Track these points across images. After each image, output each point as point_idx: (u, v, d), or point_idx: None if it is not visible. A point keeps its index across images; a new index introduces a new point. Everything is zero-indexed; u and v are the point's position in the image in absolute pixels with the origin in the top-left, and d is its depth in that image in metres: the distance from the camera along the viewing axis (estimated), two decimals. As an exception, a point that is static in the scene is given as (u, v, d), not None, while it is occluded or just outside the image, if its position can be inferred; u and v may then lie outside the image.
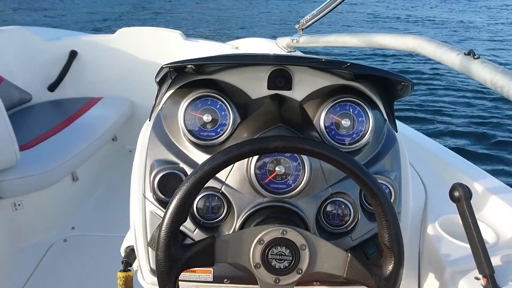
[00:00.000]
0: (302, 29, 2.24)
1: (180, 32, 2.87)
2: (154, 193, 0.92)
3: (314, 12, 2.04)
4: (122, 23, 10.41)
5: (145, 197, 0.93)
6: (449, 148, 1.32)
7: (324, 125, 0.95)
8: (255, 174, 0.87)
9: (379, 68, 0.95)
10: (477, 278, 0.84)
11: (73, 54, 2.77)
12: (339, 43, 1.86)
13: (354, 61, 0.93)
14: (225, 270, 0.89)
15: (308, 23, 2.14)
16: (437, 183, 1.16)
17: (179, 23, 10.82)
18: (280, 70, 0.99)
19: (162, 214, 0.90)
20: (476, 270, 0.84)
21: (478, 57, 1.12)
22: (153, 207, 0.92)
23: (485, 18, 11.90)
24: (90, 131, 2.36)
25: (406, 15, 12.41)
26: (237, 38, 3.06)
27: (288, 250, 0.74)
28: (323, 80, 1.01)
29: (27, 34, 2.77)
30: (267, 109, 0.97)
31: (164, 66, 0.89)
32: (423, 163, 1.22)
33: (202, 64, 0.94)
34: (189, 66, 0.93)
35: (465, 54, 1.16)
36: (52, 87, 2.76)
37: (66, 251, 2.09)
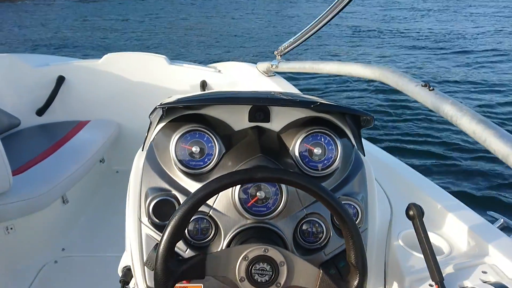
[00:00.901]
0: (281, 55, 2.39)
1: (165, 56, 2.99)
2: (149, 217, 1.03)
3: (291, 40, 2.19)
4: (109, 48, 10.51)
5: (141, 221, 1.04)
6: (410, 166, 1.47)
7: (299, 153, 1.08)
8: (239, 199, 1.00)
9: (343, 105, 1.10)
10: (430, 285, 0.98)
11: (60, 79, 2.86)
12: (314, 70, 2.01)
13: (324, 94, 1.07)
14: (213, 285, 1.01)
15: (286, 50, 2.29)
16: (400, 200, 1.30)
17: (164, 46, 10.99)
18: (260, 106, 1.13)
19: (157, 237, 1.02)
20: (429, 278, 0.97)
21: (433, 89, 1.28)
22: (148, 231, 1.03)
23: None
24: (79, 154, 2.44)
25: (386, 29, 12.83)
26: (219, 61, 3.19)
27: (269, 266, 0.87)
28: (298, 112, 1.15)
29: (15, 61, 2.85)
30: (248, 140, 1.10)
31: (158, 106, 1.01)
32: (389, 181, 1.37)
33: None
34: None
35: (422, 85, 1.32)
36: (41, 112, 2.84)
37: (57, 272, 2.15)
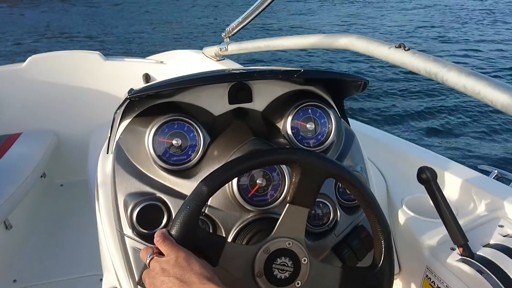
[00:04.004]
0: (229, 36, 2.26)
1: (98, 52, 2.73)
2: (133, 228, 0.88)
3: (240, 19, 2.06)
4: (31, 51, 9.52)
5: (124, 234, 0.88)
6: (394, 134, 1.44)
7: (292, 132, 0.98)
8: (239, 190, 0.88)
9: (330, 70, 1.01)
10: (452, 249, 0.93)
11: None
12: (271, 47, 1.91)
13: (306, 66, 0.98)
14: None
15: (235, 30, 2.16)
16: (393, 170, 1.25)
17: (94, 44, 10.16)
18: (240, 84, 1.01)
19: None
20: (449, 242, 0.93)
21: (409, 49, 1.23)
22: (135, 244, 0.88)
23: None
24: (16, 172, 2.15)
25: (337, 15, 12.87)
26: (157, 52, 2.98)
27: (291, 262, 0.77)
28: (280, 88, 1.04)
29: None
30: (233, 124, 0.98)
31: (129, 97, 0.85)
32: (377, 153, 1.32)
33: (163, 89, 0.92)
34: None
35: (396, 47, 1.27)
36: None
37: None
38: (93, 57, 2.69)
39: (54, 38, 11.14)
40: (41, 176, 2.59)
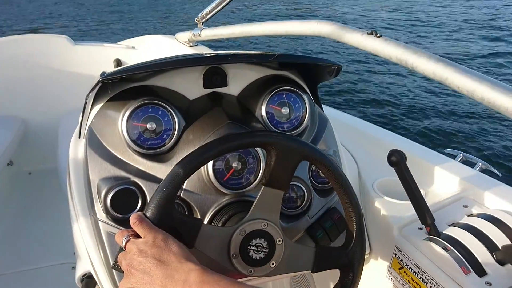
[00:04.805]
0: (202, 22, 2.23)
1: (66, 36, 2.64)
2: (107, 213, 0.87)
3: (213, 4, 2.04)
4: None
5: (98, 219, 0.87)
6: (362, 119, 1.47)
7: (267, 116, 0.99)
8: (214, 174, 0.88)
9: (305, 55, 1.02)
10: (420, 229, 0.97)
11: None
12: (245, 33, 1.90)
13: (280, 52, 0.99)
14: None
15: (208, 16, 2.13)
16: (364, 154, 1.28)
17: (62, 29, 9.71)
18: (214, 68, 1.00)
19: None
20: (417, 222, 0.96)
21: (380, 36, 1.25)
22: (109, 228, 0.87)
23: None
24: None
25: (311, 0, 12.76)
26: (129, 37, 2.91)
27: (266, 243, 0.78)
28: (255, 73, 1.05)
29: None
30: (208, 108, 0.98)
31: (102, 80, 0.83)
32: (349, 138, 1.34)
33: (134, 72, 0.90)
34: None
35: (368, 34, 1.29)
36: None
37: None
38: (62, 41, 2.60)
39: (20, 23, 10.63)
40: (8, 164, 2.51)
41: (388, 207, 1.07)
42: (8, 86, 2.54)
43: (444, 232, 0.94)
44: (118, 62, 2.60)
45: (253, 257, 0.79)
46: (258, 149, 0.91)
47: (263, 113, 0.99)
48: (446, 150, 1.28)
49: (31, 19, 10.95)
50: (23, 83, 2.56)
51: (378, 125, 1.40)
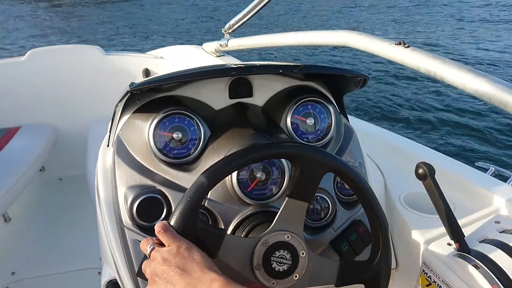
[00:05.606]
0: (229, 32, 2.26)
1: (98, 47, 2.73)
2: (133, 220, 0.88)
3: (240, 15, 2.06)
4: (31, 44, 9.49)
5: (124, 226, 0.89)
6: (392, 131, 1.44)
7: (291, 127, 0.99)
8: (238, 184, 0.88)
9: (331, 66, 1.02)
10: (449, 244, 0.94)
11: None
12: (270, 44, 1.91)
13: (305, 62, 0.99)
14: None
15: (235, 26, 2.16)
16: (391, 166, 1.26)
17: (94, 38, 10.14)
18: (240, 79, 1.01)
19: None
20: (446, 237, 0.93)
21: (409, 46, 1.23)
22: (135, 236, 0.88)
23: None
24: (16, 165, 2.16)
25: (336, 11, 12.79)
26: (158, 47, 2.98)
27: (290, 255, 0.78)
28: (280, 83, 1.05)
29: None
30: (233, 118, 0.99)
31: (131, 90, 0.85)
32: (375, 149, 1.32)
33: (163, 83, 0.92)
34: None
35: (396, 44, 1.27)
36: None
37: None
38: (93, 51, 2.69)
39: (56, 34, 11.16)
40: (40, 170, 2.59)
41: (415, 221, 1.04)
42: (42, 94, 2.64)
43: (474, 248, 0.91)
44: (146, 72, 2.66)
45: (276, 269, 0.78)
46: (283, 160, 0.91)
47: (288, 123, 0.99)
48: (477, 163, 1.24)
49: (69, 30, 11.47)
50: (56, 91, 2.66)
51: (405, 137, 1.37)
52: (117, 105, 0.94)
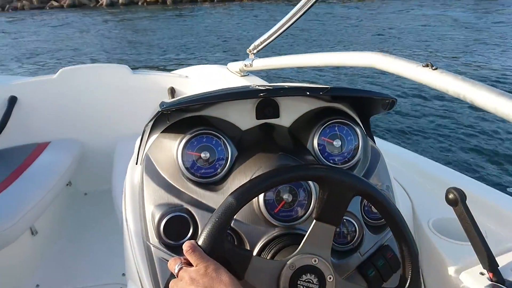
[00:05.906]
0: (254, 53, 2.29)
1: (126, 66, 2.81)
2: (160, 239, 0.89)
3: (265, 36, 2.09)
4: (62, 64, 9.98)
5: (150, 244, 0.90)
6: (421, 154, 1.42)
7: (318, 148, 0.98)
8: (265, 205, 0.88)
9: (358, 88, 1.02)
10: (481, 274, 0.91)
11: (12, 100, 2.59)
12: (295, 64, 1.92)
13: (331, 83, 0.99)
14: None
15: (260, 47, 2.19)
16: (419, 190, 1.23)
17: (124, 58, 10.56)
18: (267, 100, 1.02)
19: None
20: (478, 266, 0.90)
21: (436, 68, 1.22)
22: (161, 254, 0.89)
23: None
24: (44, 179, 2.21)
25: (362, 32, 12.89)
26: (183, 66, 3.04)
27: (317, 279, 0.76)
28: (307, 105, 1.05)
29: None
30: (259, 138, 0.99)
31: (162, 110, 0.87)
32: (403, 172, 1.30)
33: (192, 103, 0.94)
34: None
35: (423, 66, 1.26)
36: None
37: None
38: (121, 70, 2.76)
39: (86, 54, 11.66)
40: (67, 185, 2.65)
41: (446, 248, 1.01)
42: (71, 111, 2.72)
43: (509, 279, 0.87)
44: (172, 90, 2.72)
45: None
46: (310, 182, 0.91)
47: (315, 145, 0.99)
48: (509, 189, 1.20)
49: (99, 50, 11.94)
50: (85, 108, 2.73)
51: (434, 160, 1.35)
52: (147, 124, 0.96)
